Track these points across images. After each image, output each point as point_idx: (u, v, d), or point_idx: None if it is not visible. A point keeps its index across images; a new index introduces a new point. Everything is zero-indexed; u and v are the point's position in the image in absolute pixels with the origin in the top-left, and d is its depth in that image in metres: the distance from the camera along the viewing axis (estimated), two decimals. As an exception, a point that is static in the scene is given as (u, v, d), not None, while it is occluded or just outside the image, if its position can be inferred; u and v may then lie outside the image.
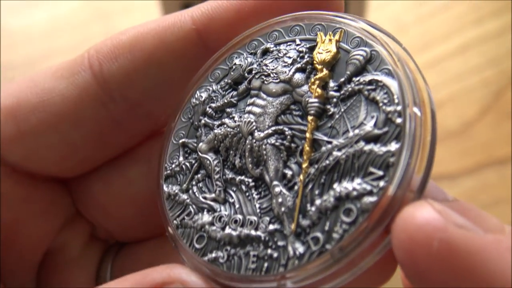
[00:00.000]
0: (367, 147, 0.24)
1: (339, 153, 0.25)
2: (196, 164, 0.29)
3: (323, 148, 0.26)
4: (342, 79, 0.26)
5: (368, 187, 0.24)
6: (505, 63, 0.73)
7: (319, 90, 0.27)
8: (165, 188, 0.29)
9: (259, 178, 0.27)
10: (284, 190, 0.26)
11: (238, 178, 0.28)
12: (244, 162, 0.28)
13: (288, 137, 0.27)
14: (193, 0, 0.52)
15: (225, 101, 0.30)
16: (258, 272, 0.25)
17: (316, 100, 0.27)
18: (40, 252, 0.36)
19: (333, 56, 0.27)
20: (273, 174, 0.27)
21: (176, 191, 0.29)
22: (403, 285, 0.33)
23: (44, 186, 0.35)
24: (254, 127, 0.28)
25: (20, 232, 0.34)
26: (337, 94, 0.26)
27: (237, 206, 0.27)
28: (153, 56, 0.31)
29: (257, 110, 0.28)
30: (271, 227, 0.26)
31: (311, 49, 0.28)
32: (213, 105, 0.30)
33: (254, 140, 0.28)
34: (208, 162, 0.29)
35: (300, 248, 0.25)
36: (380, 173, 0.24)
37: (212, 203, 0.28)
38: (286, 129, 0.27)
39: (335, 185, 0.25)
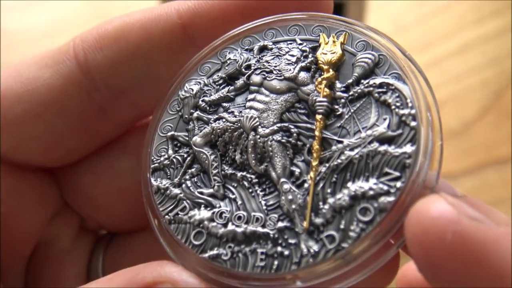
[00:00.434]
0: (382, 148, 0.25)
1: (352, 153, 0.25)
2: (189, 158, 0.29)
3: (334, 147, 0.26)
4: (350, 81, 0.27)
5: (385, 187, 0.24)
6: (505, 63, 0.73)
7: (327, 90, 0.27)
8: (153, 182, 0.28)
9: (263, 174, 0.27)
10: (293, 188, 0.26)
11: (240, 174, 0.27)
12: (246, 157, 0.27)
13: (294, 134, 0.27)
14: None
15: (221, 95, 0.29)
16: (267, 270, 0.25)
17: (325, 99, 0.27)
18: (31, 245, 0.36)
19: (338, 58, 0.28)
20: (280, 171, 0.27)
21: (167, 185, 0.28)
22: (397, 285, 0.33)
23: (32, 177, 0.35)
24: (258, 123, 0.28)
25: (10, 225, 0.33)
26: (345, 95, 0.27)
27: (239, 202, 0.27)
28: (138, 48, 0.31)
29: (259, 106, 0.28)
30: (280, 224, 0.26)
31: (314, 49, 0.29)
32: (206, 98, 0.30)
33: (258, 136, 0.27)
34: (204, 156, 0.28)
35: (315, 246, 0.24)
36: (397, 174, 0.24)
37: (210, 198, 0.27)
38: (292, 126, 0.27)
39: (349, 184, 0.25)
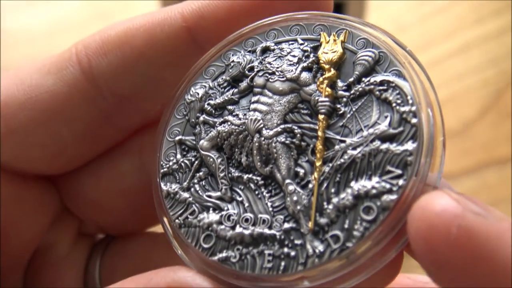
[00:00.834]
0: (383, 146, 0.25)
1: (354, 152, 0.25)
2: (197, 162, 0.29)
3: (337, 147, 0.26)
4: (351, 79, 0.27)
5: (387, 186, 0.24)
6: (505, 63, 0.73)
7: (328, 89, 0.27)
8: (163, 186, 0.29)
9: (269, 176, 0.27)
10: (298, 188, 0.26)
11: (246, 176, 0.28)
12: (251, 160, 0.28)
13: (298, 135, 0.27)
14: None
15: (226, 98, 0.29)
16: (274, 271, 0.25)
17: (327, 99, 0.27)
18: (30, 251, 0.36)
19: (339, 56, 0.28)
20: (285, 173, 0.27)
21: (176, 189, 0.28)
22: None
23: (33, 184, 0.35)
24: (262, 125, 0.28)
25: (9, 232, 0.33)
26: (346, 93, 0.27)
27: (246, 204, 0.27)
28: (143, 53, 0.31)
29: (263, 108, 0.28)
30: (286, 225, 0.26)
31: (315, 49, 0.29)
32: (211, 102, 0.30)
33: (263, 138, 0.28)
34: (211, 160, 0.28)
35: (320, 247, 0.25)
36: (399, 171, 0.24)
37: (217, 201, 0.28)
38: (296, 127, 0.27)
39: (352, 183, 0.25)
